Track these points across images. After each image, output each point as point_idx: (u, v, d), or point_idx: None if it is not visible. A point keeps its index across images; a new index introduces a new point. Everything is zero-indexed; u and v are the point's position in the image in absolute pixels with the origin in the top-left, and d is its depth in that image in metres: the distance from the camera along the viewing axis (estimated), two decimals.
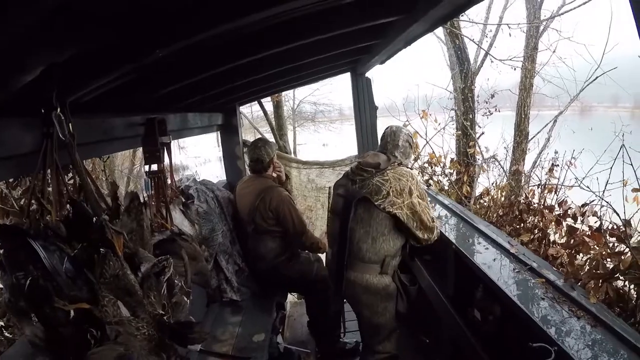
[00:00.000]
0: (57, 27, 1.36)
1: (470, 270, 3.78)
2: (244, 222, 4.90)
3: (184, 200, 3.76)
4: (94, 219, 1.98)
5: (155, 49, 1.89)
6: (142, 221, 2.48)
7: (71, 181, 2.43)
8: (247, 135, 16.91)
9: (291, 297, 6.63)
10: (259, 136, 14.05)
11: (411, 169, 4.03)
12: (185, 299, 2.52)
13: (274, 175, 5.08)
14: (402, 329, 4.55)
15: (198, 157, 25.15)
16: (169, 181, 3.52)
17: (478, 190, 8.68)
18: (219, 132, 6.40)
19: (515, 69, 11.09)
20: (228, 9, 1.91)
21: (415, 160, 8.81)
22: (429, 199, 5.77)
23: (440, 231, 4.29)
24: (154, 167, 3.32)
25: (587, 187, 5.27)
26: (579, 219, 4.65)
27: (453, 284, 4.26)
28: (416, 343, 5.14)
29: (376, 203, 3.55)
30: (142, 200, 2.58)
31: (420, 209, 3.60)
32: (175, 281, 2.41)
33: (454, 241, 4.18)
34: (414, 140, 4.03)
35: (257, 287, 4.98)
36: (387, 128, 4.06)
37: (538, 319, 2.85)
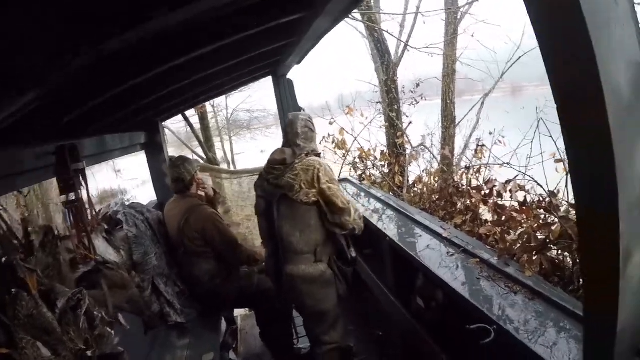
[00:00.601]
0: None
1: (407, 260, 3.77)
2: (175, 245, 4.73)
3: (106, 227, 3.62)
4: (4, 259, 1.87)
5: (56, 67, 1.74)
6: (58, 255, 2.40)
7: None
8: (177, 151, 16.63)
9: (242, 310, 6.49)
10: (187, 151, 13.75)
11: (319, 155, 3.96)
12: (109, 330, 2.41)
13: (201, 193, 4.93)
14: (357, 325, 4.50)
15: (135, 179, 24.70)
16: (88, 209, 3.37)
17: (411, 179, 8.72)
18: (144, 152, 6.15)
19: (432, 56, 11.25)
20: (133, 13, 1.80)
21: (344, 156, 8.80)
22: (362, 194, 5.80)
23: (375, 224, 4.27)
24: (72, 196, 3.15)
25: (508, 164, 5.34)
26: (508, 195, 4.68)
27: (393, 275, 4.27)
28: (370, 337, 5.09)
29: (293, 198, 3.57)
30: (57, 233, 2.47)
31: (330, 193, 3.53)
32: (95, 313, 2.30)
33: (388, 233, 4.19)
34: (313, 124, 3.95)
35: (202, 306, 4.79)
36: (286, 119, 4.09)
37: (475, 299, 2.84)
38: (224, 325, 5.05)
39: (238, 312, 6.03)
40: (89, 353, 2.02)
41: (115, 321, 2.65)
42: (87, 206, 3.35)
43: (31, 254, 2.22)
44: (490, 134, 7.57)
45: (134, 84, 2.91)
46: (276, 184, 3.67)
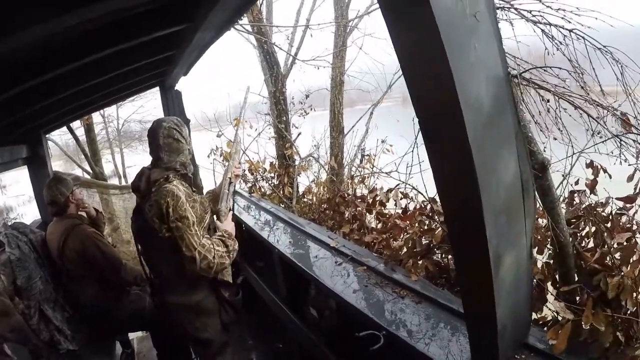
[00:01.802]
0: None
1: (298, 272, 3.78)
2: (59, 268, 4.48)
3: None
4: None
5: None
6: None
7: None
8: (65, 165, 15.92)
9: (138, 332, 6.25)
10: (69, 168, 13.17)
11: (185, 176, 3.31)
12: None
13: (82, 213, 4.69)
14: (257, 339, 4.46)
15: (21, 195, 23.38)
16: None
17: (301, 190, 8.78)
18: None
19: (318, 69, 11.37)
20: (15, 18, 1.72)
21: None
22: (253, 207, 5.76)
23: (264, 237, 4.24)
24: None
25: (388, 173, 5.49)
26: (393, 203, 4.79)
27: (286, 287, 4.27)
28: (271, 350, 5.07)
29: (151, 229, 3.09)
30: None
31: (177, 234, 3.03)
32: None
33: (277, 246, 4.19)
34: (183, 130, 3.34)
35: (93, 330, 4.56)
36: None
37: (363, 306, 2.90)
38: (118, 349, 4.91)
39: (133, 335, 5.77)
40: None
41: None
42: None
43: None
44: (383, 142, 7.70)
45: (17, 92, 2.79)
46: (140, 211, 3.24)
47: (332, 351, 3.53)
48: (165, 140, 3.23)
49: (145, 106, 22.84)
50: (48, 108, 3.95)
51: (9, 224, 4.58)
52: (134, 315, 4.54)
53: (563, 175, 3.07)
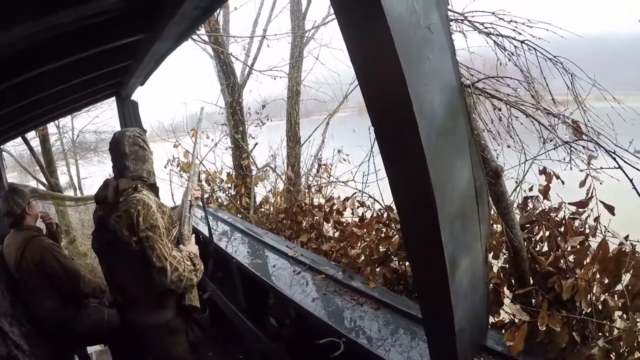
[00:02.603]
0: None
1: (256, 282, 3.78)
2: (16, 281, 4.36)
3: None
4: None
5: None
6: None
7: None
8: (20, 177, 15.57)
9: (97, 346, 6.08)
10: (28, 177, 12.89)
11: (154, 186, 3.26)
12: None
13: (40, 225, 4.58)
14: (215, 353, 4.41)
15: None
16: None
17: (258, 200, 8.77)
18: None
19: (275, 79, 11.37)
20: None
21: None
22: (210, 217, 5.72)
23: (222, 248, 4.22)
24: None
25: (344, 182, 5.53)
26: (350, 211, 4.82)
27: (245, 297, 4.25)
28: None
29: (119, 243, 2.96)
30: None
31: (147, 245, 2.90)
32: None
33: (235, 256, 4.18)
34: (145, 140, 3.20)
35: (52, 345, 4.46)
36: (110, 141, 3.25)
37: (322, 314, 2.92)
38: None
39: (92, 349, 5.62)
40: None
41: None
42: None
43: None
44: (339, 152, 7.73)
45: None
46: (104, 224, 3.04)
47: (291, 356, 3.52)
48: (132, 148, 3.13)
49: (101, 117, 22.61)
50: (2, 118, 3.87)
51: None
52: (93, 328, 4.43)
53: (516, 182, 3.14)
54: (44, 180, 15.01)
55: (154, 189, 3.25)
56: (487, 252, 2.31)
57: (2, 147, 5.90)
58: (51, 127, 16.36)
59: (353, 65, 1.52)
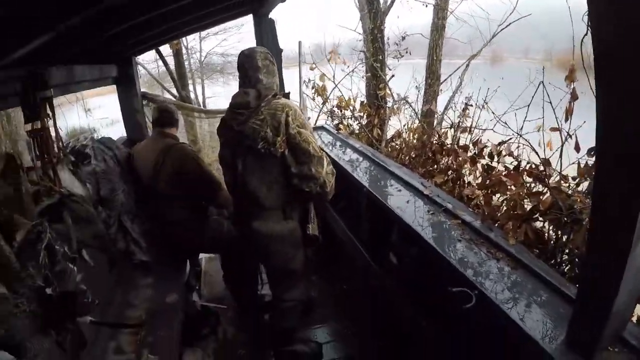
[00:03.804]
0: None
1: (383, 214, 3.66)
2: (147, 187, 4.48)
3: (72, 159, 3.46)
4: None
5: None
6: (19, 185, 2.29)
7: None
8: (148, 89, 16.42)
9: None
10: (159, 89, 13.48)
11: (288, 96, 3.71)
12: (71, 266, 2.28)
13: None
14: (319, 276, 4.38)
15: (105, 118, 24.43)
16: (55, 140, 3.17)
17: (390, 133, 8.59)
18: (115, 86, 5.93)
19: (427, 6, 11.03)
20: None
21: (324, 103, 8.60)
22: (338, 144, 5.63)
23: (352, 175, 4.13)
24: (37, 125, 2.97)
25: (505, 123, 5.20)
26: (495, 157, 4.58)
27: (367, 229, 4.20)
28: (335, 291, 5.04)
29: (259, 148, 3.14)
30: (19, 163, 2.35)
31: (301, 139, 3.13)
32: (57, 247, 2.17)
33: (366, 184, 4.10)
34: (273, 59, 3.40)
35: (168, 247, 4.62)
36: (239, 55, 3.42)
37: (456, 261, 2.76)
38: (187, 266, 4.97)
39: (202, 255, 5.91)
40: (48, 290, 1.94)
41: (79, 257, 2.51)
42: (53, 136, 3.15)
43: None
44: (485, 103, 7.42)
45: (108, 6, 2.69)
46: (240, 131, 3.25)
47: (409, 300, 3.46)
48: (264, 62, 3.29)
49: (229, 39, 23.53)
50: (138, 28, 3.87)
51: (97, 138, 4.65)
52: (212, 239, 4.59)
53: None
54: (174, 93, 15.61)
55: (287, 98, 3.40)
56: None
57: (137, 59, 6.03)
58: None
59: None
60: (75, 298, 2.05)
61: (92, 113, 22.75)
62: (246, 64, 3.30)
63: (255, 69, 3.27)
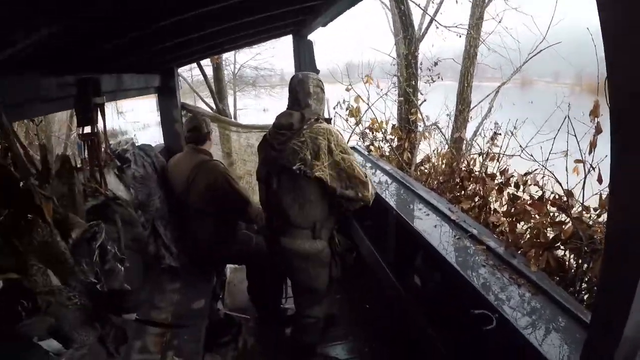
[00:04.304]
0: None
1: (410, 236, 3.75)
2: (178, 199, 4.66)
3: (119, 163, 3.62)
4: (21, 183, 1.84)
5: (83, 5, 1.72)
6: (73, 185, 2.37)
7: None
8: (187, 99, 16.65)
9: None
10: (198, 100, 13.65)
11: (330, 121, 3.79)
12: (119, 266, 2.42)
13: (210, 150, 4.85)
14: (342, 294, 4.50)
15: (137, 122, 24.74)
16: (103, 144, 3.35)
17: (419, 157, 8.64)
18: (156, 96, 6.12)
19: (460, 36, 11.13)
20: None
21: (357, 124, 8.69)
22: (368, 165, 5.75)
23: (381, 196, 4.26)
24: (88, 129, 3.13)
25: (531, 155, 5.27)
26: (521, 187, 4.66)
27: (393, 249, 4.27)
28: (356, 308, 5.13)
29: (294, 169, 3.26)
30: (73, 164, 2.45)
31: (346, 165, 3.28)
32: (108, 247, 2.30)
33: (394, 207, 4.19)
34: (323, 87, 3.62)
35: (197, 254, 4.77)
36: (292, 78, 3.63)
37: (479, 285, 2.84)
38: (214, 274, 5.06)
39: (228, 265, 6.02)
40: (98, 287, 2.02)
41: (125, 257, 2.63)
42: (102, 141, 3.32)
43: (46, 182, 2.16)
44: (496, 123, 7.44)
45: (157, 27, 2.88)
46: (280, 150, 3.39)
47: (430, 321, 3.53)
48: (315, 89, 3.49)
49: (262, 54, 23.74)
50: (183, 44, 4.05)
51: (137, 144, 4.81)
52: (240, 252, 4.75)
53: None
54: (211, 104, 15.80)
55: (328, 123, 3.54)
56: None
57: (178, 70, 6.22)
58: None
59: (602, 28, 1.25)
60: (124, 296, 2.17)
61: (124, 116, 23.10)
62: (298, 87, 3.49)
63: (307, 94, 3.46)
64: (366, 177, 3.36)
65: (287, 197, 3.40)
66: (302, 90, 3.48)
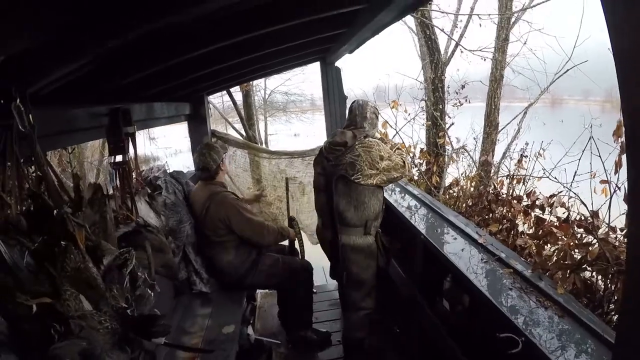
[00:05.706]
0: (12, 16, 1.32)
1: (439, 260, 3.80)
2: (199, 228, 4.74)
3: (149, 191, 3.71)
4: (55, 211, 1.93)
5: (115, 36, 1.84)
6: (105, 213, 2.42)
7: (34, 174, 2.36)
8: (218, 125, 16.75)
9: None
10: (223, 130, 13.78)
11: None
12: (149, 291, 2.46)
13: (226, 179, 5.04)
14: (375, 315, 4.58)
15: (169, 148, 25.03)
16: (134, 172, 3.45)
17: (447, 181, 8.64)
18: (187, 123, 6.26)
19: (485, 60, 11.11)
20: None
21: None
22: (397, 189, 5.83)
23: (410, 221, 4.37)
24: (119, 158, 3.22)
25: (555, 178, 5.29)
26: (547, 209, 4.68)
27: (422, 273, 4.30)
28: (387, 331, 5.21)
29: (352, 178, 3.84)
30: (105, 192, 2.52)
31: (392, 165, 3.92)
32: (139, 273, 2.36)
33: (422, 231, 4.25)
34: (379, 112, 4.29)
35: (225, 279, 4.84)
36: (353, 102, 4.23)
37: (506, 309, 2.86)
38: (244, 300, 5.12)
39: (258, 290, 6.18)
40: (129, 312, 2.07)
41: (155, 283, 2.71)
42: (133, 169, 3.43)
43: (79, 210, 2.23)
44: (526, 143, 7.39)
45: (187, 58, 3.00)
46: (337, 163, 3.96)
47: (459, 345, 3.54)
48: (371, 115, 4.13)
49: (292, 79, 24.04)
50: (213, 73, 4.20)
51: (169, 171, 4.92)
52: (267, 280, 4.85)
53: None
54: (242, 131, 15.94)
55: None
56: None
57: (208, 98, 6.35)
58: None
59: (612, 43, 1.20)
60: (153, 320, 2.23)
61: (156, 142, 23.36)
62: (357, 110, 4.12)
63: (363, 118, 4.08)
64: (404, 163, 4.05)
65: (344, 201, 4.00)
66: (361, 114, 4.09)
